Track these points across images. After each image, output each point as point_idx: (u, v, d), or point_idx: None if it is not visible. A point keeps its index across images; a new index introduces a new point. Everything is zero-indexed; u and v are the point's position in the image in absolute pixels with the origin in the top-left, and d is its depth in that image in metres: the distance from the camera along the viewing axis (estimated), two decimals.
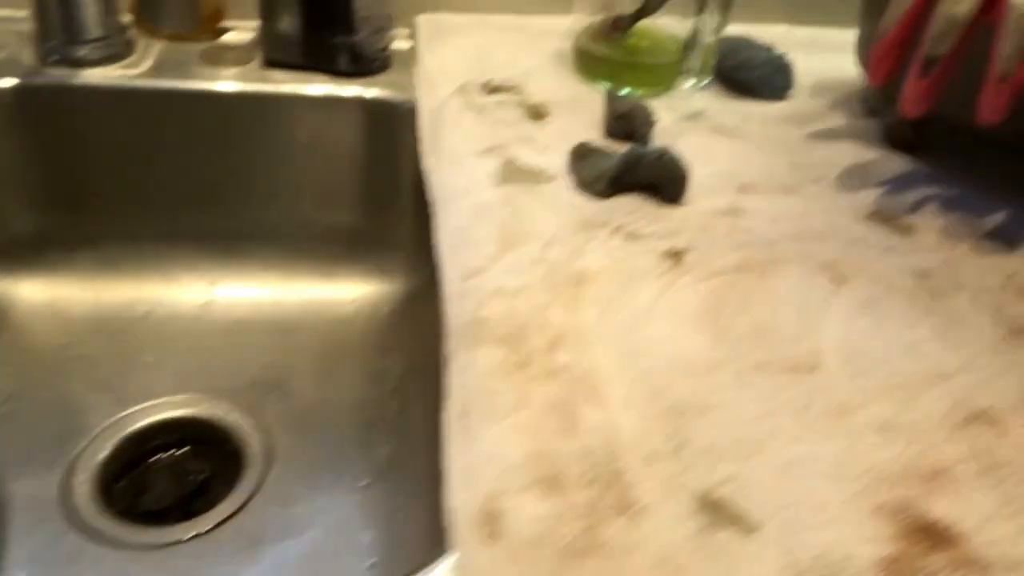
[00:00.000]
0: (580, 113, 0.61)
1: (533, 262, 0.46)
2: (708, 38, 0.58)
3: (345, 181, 0.66)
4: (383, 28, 0.66)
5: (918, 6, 0.48)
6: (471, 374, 0.40)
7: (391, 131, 0.64)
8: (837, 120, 0.65)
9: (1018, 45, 0.46)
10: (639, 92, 0.65)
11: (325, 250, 0.68)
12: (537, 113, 0.61)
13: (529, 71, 0.66)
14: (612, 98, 0.60)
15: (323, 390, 0.62)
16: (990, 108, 0.48)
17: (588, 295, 0.44)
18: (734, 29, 0.75)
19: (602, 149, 0.55)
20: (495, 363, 0.39)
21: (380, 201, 0.65)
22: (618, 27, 0.66)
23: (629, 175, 0.52)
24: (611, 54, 0.66)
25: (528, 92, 0.63)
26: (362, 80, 0.65)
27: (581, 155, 0.54)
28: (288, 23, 0.63)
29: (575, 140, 0.57)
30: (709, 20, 0.57)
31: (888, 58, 0.50)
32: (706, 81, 0.61)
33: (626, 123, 0.58)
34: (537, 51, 0.69)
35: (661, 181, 0.53)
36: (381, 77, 0.67)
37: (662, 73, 0.66)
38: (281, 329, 0.65)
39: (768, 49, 0.69)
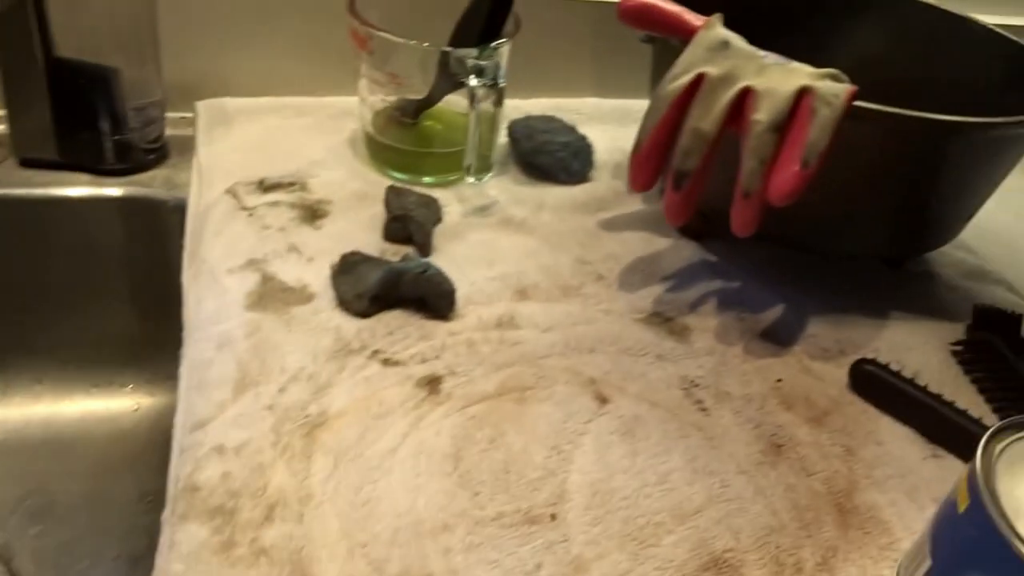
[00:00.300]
0: (363, 211, 0.58)
1: (265, 409, 0.43)
2: (484, 133, 0.56)
3: (118, 286, 0.62)
4: (154, 118, 0.62)
5: (668, 119, 0.47)
6: (174, 556, 0.36)
7: (162, 232, 0.60)
8: (633, 204, 0.64)
9: (760, 160, 0.45)
10: (431, 180, 0.62)
11: (101, 360, 0.63)
12: (314, 214, 0.58)
13: (316, 161, 0.63)
14: (392, 196, 0.58)
15: (93, 516, 0.57)
16: (740, 223, 0.47)
17: (323, 445, 0.42)
18: (544, 103, 0.75)
19: (371, 259, 0.53)
20: (197, 545, 0.36)
21: (159, 305, 0.61)
22: (406, 114, 0.63)
23: (391, 292, 0.50)
24: (400, 143, 0.63)
25: (310, 188, 0.60)
26: (130, 177, 0.61)
27: (345, 268, 0.52)
28: (40, 117, 0.58)
29: (351, 245, 0.55)
30: (483, 115, 0.55)
31: (645, 168, 0.49)
32: (488, 176, 0.59)
33: (403, 226, 0.56)
34: (330, 137, 0.66)
35: (427, 296, 0.50)
36: (156, 171, 0.63)
37: (456, 160, 0.63)
38: (51, 450, 0.60)
39: (569, 129, 0.67)
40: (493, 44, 0.56)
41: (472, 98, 0.54)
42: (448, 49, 0.56)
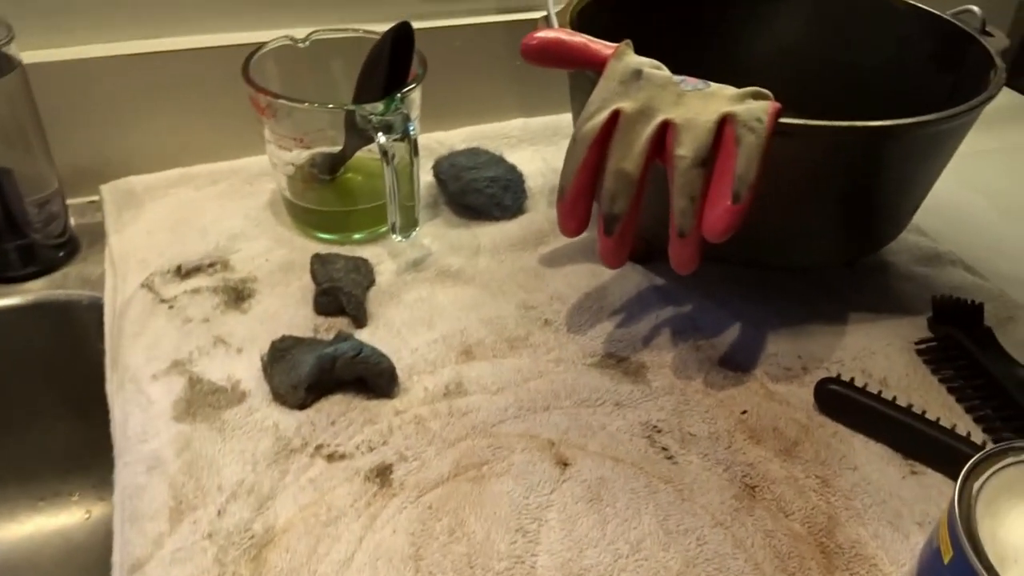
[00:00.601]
0: (292, 282, 0.55)
1: (205, 538, 0.40)
2: (404, 188, 0.53)
3: (48, 395, 0.58)
4: (55, 213, 0.58)
5: (589, 161, 0.45)
6: None
7: (81, 334, 0.56)
8: None
9: (690, 198, 0.43)
10: (361, 236, 0.59)
11: (43, 473, 0.60)
12: (239, 296, 0.54)
13: (236, 234, 0.59)
14: (318, 266, 0.55)
15: None
16: (679, 262, 0.45)
17: (272, 567, 0.39)
18: (469, 132, 0.72)
19: (304, 341, 0.50)
20: None
21: (93, 407, 0.57)
22: (323, 170, 0.60)
23: (327, 378, 0.47)
24: (320, 204, 0.60)
25: (232, 266, 0.57)
26: (43, 279, 0.57)
27: (276, 357, 0.49)
28: None
29: (281, 326, 0.52)
30: (400, 170, 0.52)
31: (573, 215, 0.47)
32: (415, 232, 0.56)
33: (332, 299, 0.53)
34: (248, 202, 0.63)
35: (366, 377, 0.48)
36: (69, 268, 0.59)
37: (383, 212, 0.60)
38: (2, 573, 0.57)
39: (497, 160, 0.65)
40: (399, 94, 0.52)
41: (384, 155, 0.51)
42: (351, 107, 0.53)
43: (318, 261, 0.55)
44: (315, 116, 0.55)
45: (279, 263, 0.57)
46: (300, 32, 0.59)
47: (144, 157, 0.64)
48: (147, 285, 0.54)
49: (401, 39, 0.52)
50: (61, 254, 0.59)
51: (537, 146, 0.72)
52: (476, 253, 0.59)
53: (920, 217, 0.57)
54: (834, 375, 0.49)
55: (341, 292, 0.53)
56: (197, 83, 0.63)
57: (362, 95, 0.55)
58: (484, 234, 0.61)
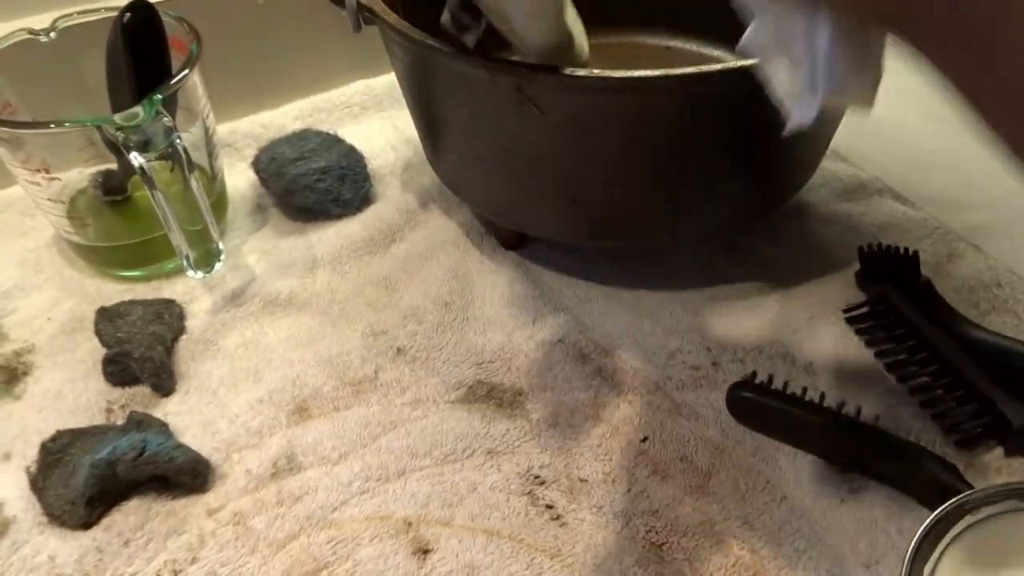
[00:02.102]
0: (80, 346, 0.44)
1: None
2: (184, 213, 0.41)
3: None
4: None
5: None
6: None
7: None
8: (432, 220, 0.51)
9: None
10: (173, 266, 0.48)
11: None
12: (12, 376, 0.43)
13: (11, 288, 0.48)
14: (104, 325, 0.44)
15: None
16: None
17: None
18: (300, 107, 0.60)
19: (87, 432, 0.39)
20: None
21: None
22: (110, 190, 0.48)
23: (115, 483, 0.37)
24: (111, 237, 0.48)
25: (6, 332, 0.45)
26: None
27: (50, 463, 0.38)
28: None
29: (65, 413, 0.41)
30: (172, 195, 0.40)
31: None
32: (218, 264, 0.44)
33: (124, 366, 0.42)
34: (27, 239, 0.51)
35: (165, 474, 0.37)
36: None
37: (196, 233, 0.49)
38: None
39: (329, 144, 0.53)
40: (153, 97, 0.40)
41: (144, 178, 0.40)
42: (86, 122, 0.40)
43: (104, 318, 0.44)
44: (55, 142, 0.43)
45: (64, 321, 0.46)
46: (40, 20, 0.46)
47: None
48: None
49: (141, 25, 0.40)
50: None
51: (386, 111, 0.60)
52: (313, 267, 0.48)
53: (837, 138, 0.48)
54: (749, 371, 0.39)
55: (131, 358, 0.42)
56: None
57: (113, 101, 0.42)
58: (322, 240, 0.50)
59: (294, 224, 0.51)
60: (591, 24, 0.57)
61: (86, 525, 0.37)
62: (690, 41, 0.58)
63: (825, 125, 0.45)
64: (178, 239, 0.42)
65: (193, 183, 0.41)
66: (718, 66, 0.35)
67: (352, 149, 0.53)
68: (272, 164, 0.51)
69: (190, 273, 0.44)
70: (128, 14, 0.40)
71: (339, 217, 0.51)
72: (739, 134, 0.40)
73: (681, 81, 0.35)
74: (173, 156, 0.40)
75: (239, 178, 0.54)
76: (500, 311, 0.45)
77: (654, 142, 0.39)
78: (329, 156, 0.52)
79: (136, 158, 0.39)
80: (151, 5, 0.41)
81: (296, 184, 0.50)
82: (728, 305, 0.45)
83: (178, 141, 0.39)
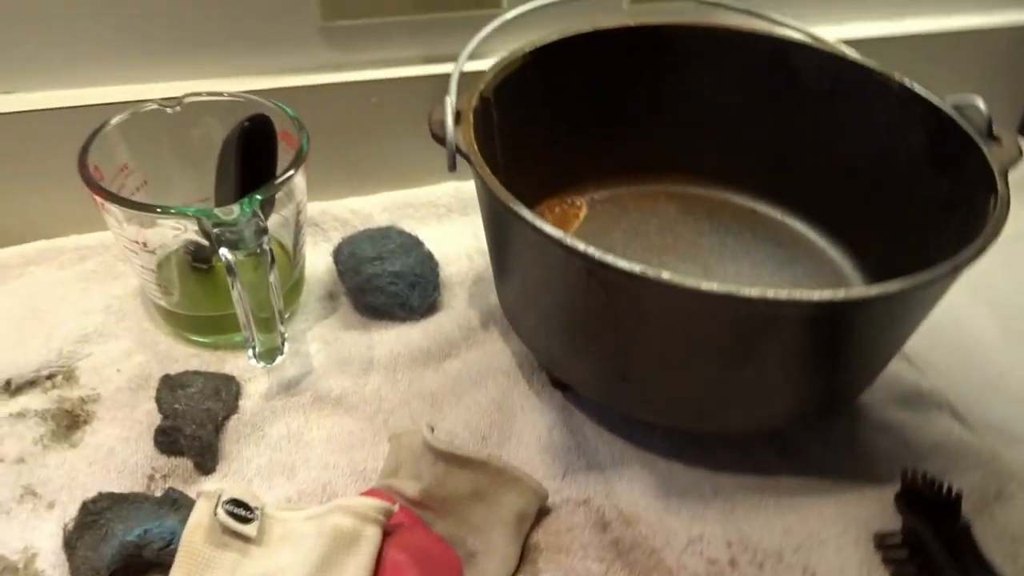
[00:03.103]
0: (141, 405, 0.47)
1: None
2: (257, 310, 0.44)
3: None
4: None
5: None
6: None
7: None
8: (489, 340, 0.52)
9: None
10: (236, 339, 0.50)
11: None
12: (74, 422, 0.46)
13: (92, 332, 0.51)
14: (165, 392, 0.46)
15: None
16: None
17: None
18: (392, 198, 0.62)
19: (127, 500, 0.41)
20: None
21: None
22: (199, 258, 0.51)
23: (138, 564, 0.39)
24: (192, 306, 0.51)
25: (77, 377, 0.48)
26: None
27: (86, 523, 0.40)
28: None
29: (112, 472, 0.44)
30: (251, 287, 0.43)
31: None
32: (280, 357, 0.47)
33: (172, 439, 0.44)
34: (118, 284, 0.54)
35: None
36: None
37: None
38: None
39: (408, 247, 0.55)
40: (251, 198, 0.42)
41: (229, 272, 0.42)
42: (190, 212, 0.43)
43: (166, 386, 0.47)
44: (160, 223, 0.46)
45: (132, 376, 0.49)
46: (169, 88, 0.50)
47: (2, 227, 0.55)
48: None
49: (257, 132, 0.43)
50: None
51: (470, 217, 0.62)
52: (368, 369, 0.50)
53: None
54: None
55: (182, 433, 0.44)
56: (64, 142, 0.54)
57: (217, 193, 0.45)
58: (382, 342, 0.52)
59: (360, 319, 0.53)
60: (682, 174, 0.59)
61: None
62: (775, 207, 0.58)
63: (902, 333, 0.45)
64: (249, 330, 0.44)
65: (272, 282, 0.43)
66: (803, 296, 0.35)
67: (429, 256, 0.55)
68: (351, 259, 0.53)
69: (252, 362, 0.46)
70: (248, 123, 0.43)
71: (403, 320, 0.53)
72: (812, 347, 0.40)
73: (771, 304, 0.35)
74: (259, 256, 0.42)
75: (320, 260, 0.57)
76: (534, 456, 0.46)
77: (719, 344, 0.39)
78: (406, 260, 0.54)
79: (225, 254, 0.41)
80: (270, 120, 0.44)
81: (370, 284, 0.52)
82: (760, 499, 0.45)
83: (267, 244, 0.42)
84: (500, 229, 0.44)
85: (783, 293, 0.35)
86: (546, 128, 0.54)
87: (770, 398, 0.43)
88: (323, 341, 0.52)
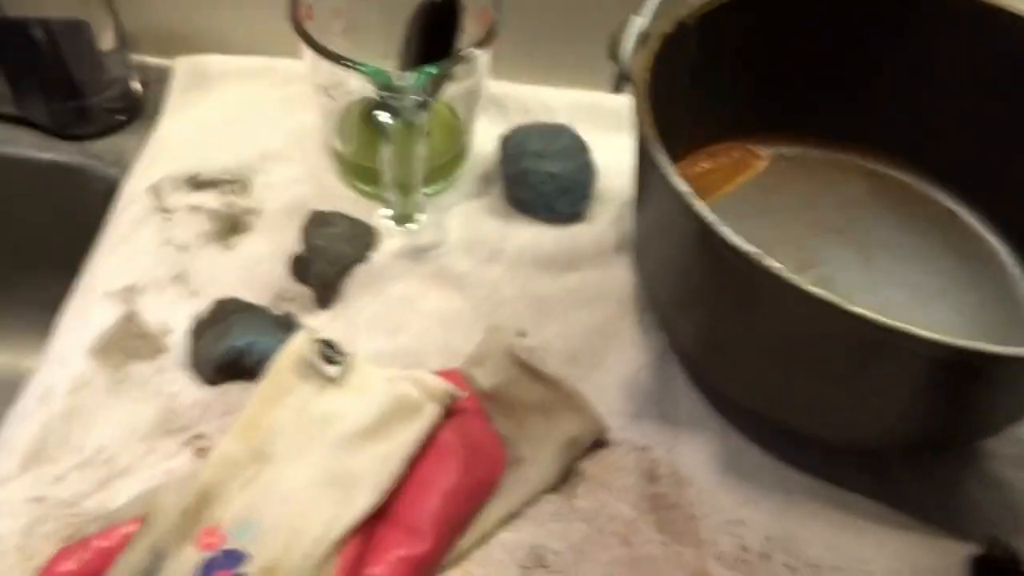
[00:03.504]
0: (291, 230, 0.52)
1: (33, 501, 0.40)
2: (402, 176, 0.46)
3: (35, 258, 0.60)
4: (115, 78, 0.57)
5: None
6: None
7: (85, 212, 0.56)
8: (619, 265, 0.52)
9: None
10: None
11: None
12: (234, 227, 0.52)
13: (273, 151, 0.56)
14: (311, 225, 0.51)
15: None
16: None
17: None
18: (575, 97, 0.62)
19: (252, 310, 0.47)
20: None
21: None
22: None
23: (235, 366, 0.44)
24: (361, 155, 0.54)
25: (251, 189, 0.54)
26: (83, 144, 0.57)
27: (214, 319, 0.46)
28: None
29: (252, 278, 0.49)
30: (400, 152, 0.45)
31: None
32: (418, 225, 0.49)
33: (303, 268, 0.49)
34: (310, 115, 0.59)
35: None
36: (118, 137, 0.58)
37: (435, 173, 0.54)
38: None
39: (574, 151, 0.54)
40: (423, 72, 0.44)
41: (384, 134, 0.44)
42: (365, 71, 0.45)
43: (314, 220, 0.51)
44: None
45: (294, 200, 0.53)
46: None
47: (230, 35, 0.61)
48: (154, 188, 0.53)
49: (445, 5, 0.44)
50: (118, 119, 0.59)
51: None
52: (494, 258, 0.52)
53: None
54: None
55: (313, 264, 0.48)
56: None
57: (400, 59, 0.47)
58: (517, 236, 0.53)
59: (506, 209, 0.55)
60: (886, 151, 0.53)
61: (210, 383, 0.45)
62: (982, 218, 0.52)
63: None
64: (391, 191, 0.47)
65: (419, 154, 0.45)
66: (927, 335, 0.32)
67: (590, 165, 0.55)
68: (515, 149, 0.54)
69: (386, 221, 0.49)
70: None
71: (545, 221, 0.54)
72: (931, 385, 0.37)
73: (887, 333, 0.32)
74: (414, 127, 0.44)
75: (490, 141, 0.58)
76: (613, 388, 0.46)
77: (822, 353, 0.37)
78: (566, 164, 0.54)
79: (383, 116, 0.44)
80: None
81: (524, 178, 0.53)
82: (823, 508, 0.43)
83: (423, 119, 0.44)
84: (641, 163, 0.43)
85: (902, 326, 0.32)
86: (748, 69, 0.51)
87: (870, 417, 0.40)
88: (465, 219, 0.54)
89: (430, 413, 0.41)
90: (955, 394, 0.38)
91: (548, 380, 0.43)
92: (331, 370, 0.42)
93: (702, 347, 0.43)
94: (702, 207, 0.34)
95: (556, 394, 0.43)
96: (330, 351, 0.42)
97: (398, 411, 0.41)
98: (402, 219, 0.49)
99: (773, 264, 0.32)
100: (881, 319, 0.32)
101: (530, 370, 0.43)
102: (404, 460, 0.40)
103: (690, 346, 0.44)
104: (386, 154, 0.45)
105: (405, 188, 0.47)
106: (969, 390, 0.37)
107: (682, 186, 0.35)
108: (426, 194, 0.55)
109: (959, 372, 0.36)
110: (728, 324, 0.39)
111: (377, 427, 0.41)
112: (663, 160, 0.36)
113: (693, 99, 0.49)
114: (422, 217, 0.49)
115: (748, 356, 0.40)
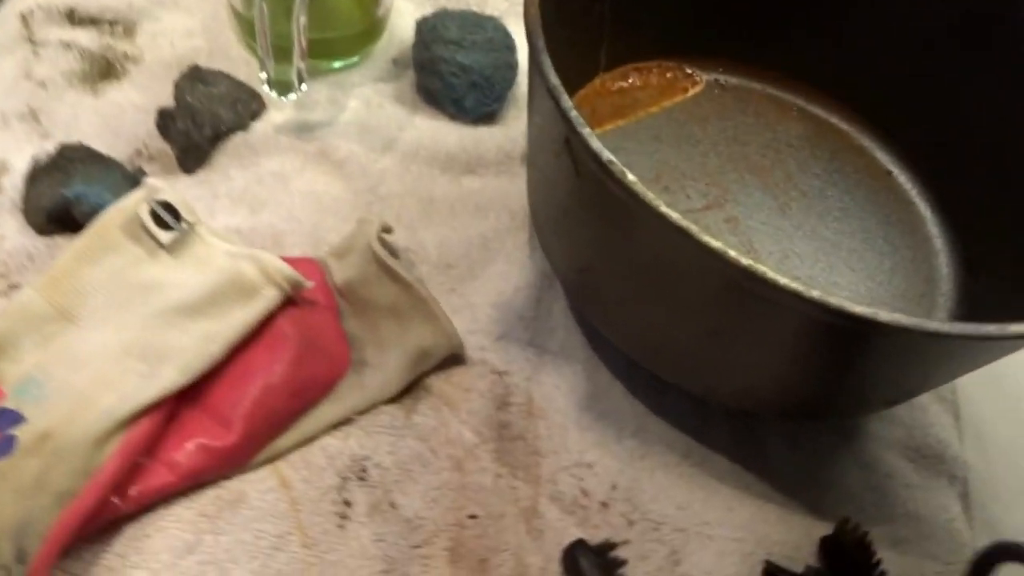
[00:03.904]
0: (170, 84, 0.47)
1: None
2: (279, 31, 0.41)
3: None
4: None
5: None
6: None
7: None
8: (520, 174, 0.48)
9: None
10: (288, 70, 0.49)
11: None
12: (106, 71, 0.47)
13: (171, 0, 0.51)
14: (186, 82, 0.46)
15: None
16: None
17: None
18: None
19: (99, 159, 0.42)
20: None
21: None
22: None
23: (68, 217, 0.40)
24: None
25: (136, 33, 0.49)
26: None
27: (56, 165, 0.42)
28: None
29: (112, 127, 0.45)
30: (278, 5, 0.40)
31: None
32: (294, 95, 0.44)
33: (167, 124, 0.44)
34: None
35: None
36: None
37: (337, 46, 0.49)
38: None
39: (496, 47, 0.49)
40: None
41: None
42: None
43: (191, 76, 0.46)
44: None
45: (181, 53, 0.49)
46: None
47: None
48: (25, 16, 0.48)
49: None
50: None
51: None
52: (387, 148, 0.48)
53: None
54: (620, 538, 0.36)
55: (177, 122, 0.44)
56: None
57: None
58: (416, 128, 0.49)
59: (412, 97, 0.50)
60: (833, 97, 0.49)
61: (40, 232, 0.41)
62: (918, 182, 0.48)
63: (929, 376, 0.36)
64: (265, 53, 0.42)
65: (297, 14, 0.40)
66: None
67: (511, 65, 0.50)
68: (429, 33, 0.49)
69: (264, 88, 0.44)
70: None
71: (451, 118, 0.49)
72: (804, 345, 0.33)
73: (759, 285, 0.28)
74: None
75: (412, 22, 0.53)
76: (485, 305, 0.43)
77: (698, 302, 0.33)
78: (482, 58, 0.49)
79: None
80: None
81: (433, 66, 0.48)
82: (680, 465, 0.40)
83: None
84: (530, 55, 0.38)
85: (762, 270, 0.28)
86: None
87: (735, 372, 0.37)
88: (364, 101, 0.49)
89: (267, 298, 0.38)
90: (830, 360, 0.34)
91: (403, 283, 0.39)
92: (164, 235, 0.38)
93: (568, 269, 0.39)
94: (567, 102, 0.30)
95: (410, 298, 0.39)
96: (168, 214, 0.38)
97: (231, 291, 0.37)
98: (278, 87, 0.44)
99: (630, 178, 0.28)
100: (739, 258, 0.28)
101: (387, 270, 0.39)
102: (227, 343, 0.36)
103: (561, 268, 0.40)
104: (257, 8, 0.40)
105: (283, 51, 0.42)
106: (845, 357, 0.34)
107: (553, 79, 0.31)
108: (332, 68, 0.50)
109: (835, 336, 0.32)
110: (592, 247, 0.35)
111: (203, 305, 0.37)
112: (538, 43, 0.32)
113: (625, 10, 0.45)
114: (303, 87, 0.44)
115: (611, 284, 0.36)
